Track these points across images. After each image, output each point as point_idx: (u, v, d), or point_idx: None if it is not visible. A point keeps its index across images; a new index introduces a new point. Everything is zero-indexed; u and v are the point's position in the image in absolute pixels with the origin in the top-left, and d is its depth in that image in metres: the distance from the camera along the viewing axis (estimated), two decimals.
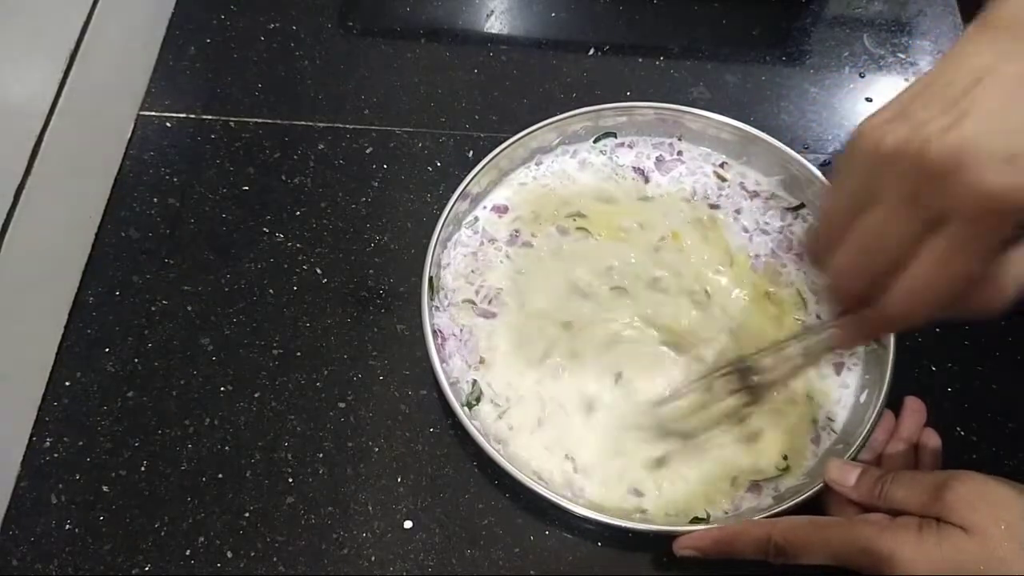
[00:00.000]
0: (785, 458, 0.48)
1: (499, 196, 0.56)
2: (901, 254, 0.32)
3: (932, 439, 0.48)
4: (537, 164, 0.57)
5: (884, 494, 0.41)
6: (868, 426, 0.47)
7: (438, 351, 0.48)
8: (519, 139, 0.55)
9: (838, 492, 0.43)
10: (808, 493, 0.45)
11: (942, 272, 0.31)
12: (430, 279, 0.51)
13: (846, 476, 0.43)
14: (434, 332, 0.49)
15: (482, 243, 0.55)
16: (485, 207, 0.56)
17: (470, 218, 0.55)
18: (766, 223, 0.56)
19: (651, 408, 0.49)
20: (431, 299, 0.51)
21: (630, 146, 0.58)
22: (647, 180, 0.57)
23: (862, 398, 0.50)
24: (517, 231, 0.55)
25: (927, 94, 0.31)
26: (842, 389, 0.50)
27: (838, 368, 0.51)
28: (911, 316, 0.33)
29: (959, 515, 0.37)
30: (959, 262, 0.30)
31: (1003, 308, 0.33)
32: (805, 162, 0.54)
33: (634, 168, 0.58)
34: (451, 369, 0.50)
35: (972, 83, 0.30)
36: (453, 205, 0.52)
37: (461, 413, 0.46)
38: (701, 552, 0.44)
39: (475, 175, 0.53)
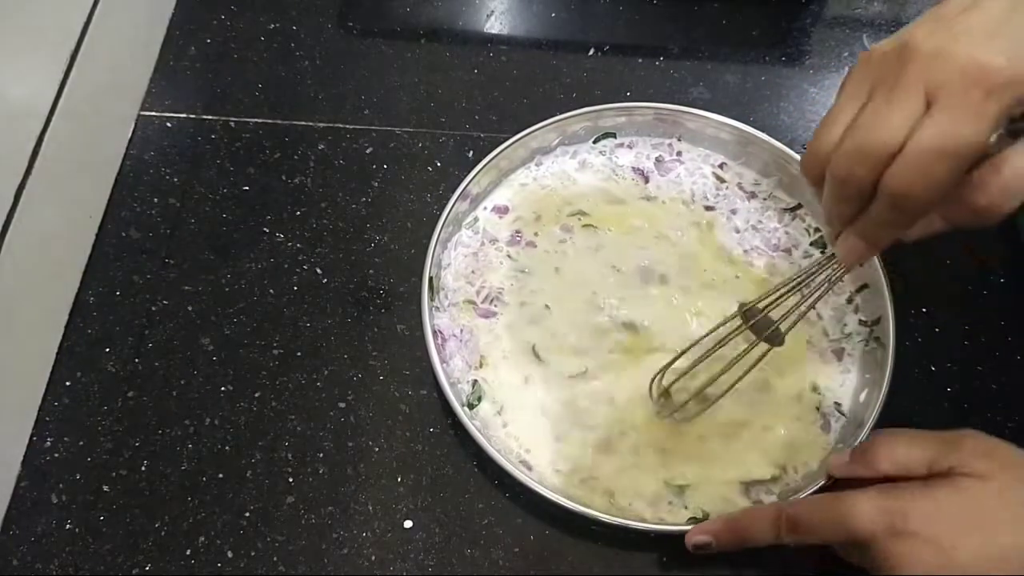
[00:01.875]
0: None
1: (499, 197, 0.56)
2: (897, 139, 0.32)
3: None
4: (537, 165, 0.57)
5: (885, 452, 0.40)
6: (868, 427, 0.47)
7: (438, 351, 0.48)
8: (519, 139, 0.55)
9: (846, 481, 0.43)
10: (808, 491, 0.44)
11: (936, 146, 0.31)
12: (430, 280, 0.51)
13: (841, 458, 0.43)
14: (434, 332, 0.49)
15: (483, 243, 0.55)
16: (485, 208, 0.56)
17: (470, 219, 0.56)
18: (760, 222, 0.56)
19: (658, 383, 0.48)
20: (431, 299, 0.51)
21: (629, 146, 0.58)
22: (647, 180, 0.57)
23: (861, 398, 0.50)
24: (519, 232, 0.55)
25: (922, 20, 0.33)
26: (844, 374, 0.51)
27: (839, 355, 0.51)
28: (912, 195, 0.32)
29: (972, 465, 0.36)
30: (951, 135, 0.31)
31: (1004, 214, 0.33)
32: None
33: (633, 168, 0.58)
34: (452, 370, 0.50)
35: (964, 9, 0.32)
36: (453, 205, 0.52)
37: (462, 413, 0.46)
38: (714, 538, 0.43)
39: (475, 175, 0.53)
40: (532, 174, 0.57)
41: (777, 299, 0.43)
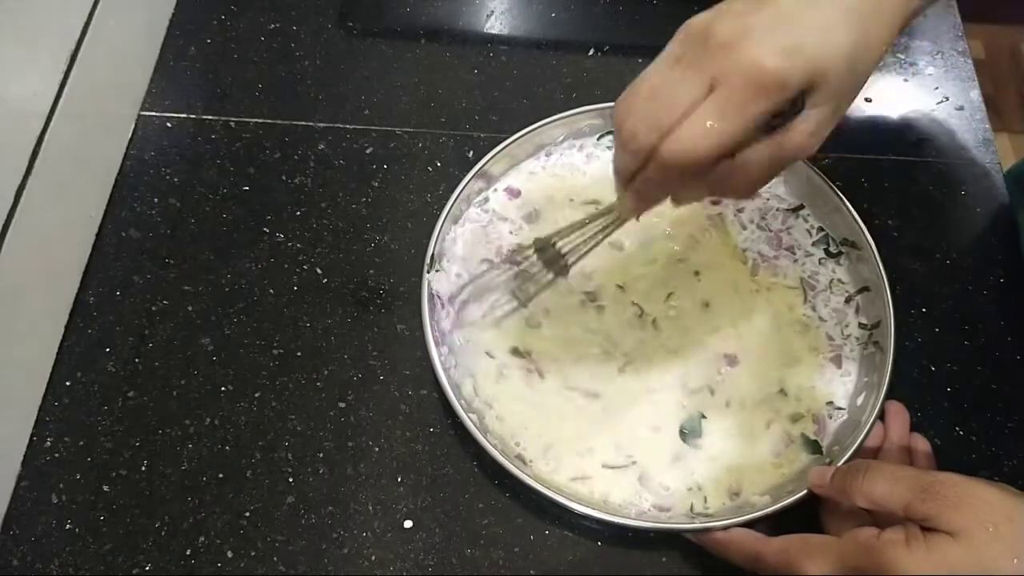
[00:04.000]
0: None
1: (512, 180, 0.57)
2: (675, 115, 0.35)
3: (921, 443, 0.48)
4: (547, 155, 0.58)
5: (863, 487, 0.40)
6: (866, 428, 0.47)
7: (438, 348, 0.48)
8: (523, 135, 0.55)
9: (828, 502, 0.44)
10: (801, 493, 0.45)
11: (701, 130, 0.35)
12: (432, 257, 0.51)
13: (823, 476, 0.43)
14: (434, 331, 0.49)
15: (491, 221, 0.55)
16: (496, 189, 0.56)
17: (480, 198, 0.56)
18: (763, 221, 0.56)
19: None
20: (430, 271, 0.51)
21: None
22: None
23: (859, 400, 0.50)
24: (531, 213, 0.56)
25: (732, 3, 0.36)
26: (844, 377, 0.51)
27: (837, 361, 0.51)
28: (676, 165, 0.36)
29: (945, 520, 0.37)
30: (716, 124, 0.34)
31: (754, 192, 0.39)
32: (804, 161, 0.54)
33: None
34: (451, 368, 0.50)
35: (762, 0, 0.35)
36: (454, 203, 0.52)
37: (462, 412, 0.46)
38: (700, 543, 0.45)
39: (476, 173, 0.54)
40: (541, 163, 0.58)
41: (569, 239, 0.48)
